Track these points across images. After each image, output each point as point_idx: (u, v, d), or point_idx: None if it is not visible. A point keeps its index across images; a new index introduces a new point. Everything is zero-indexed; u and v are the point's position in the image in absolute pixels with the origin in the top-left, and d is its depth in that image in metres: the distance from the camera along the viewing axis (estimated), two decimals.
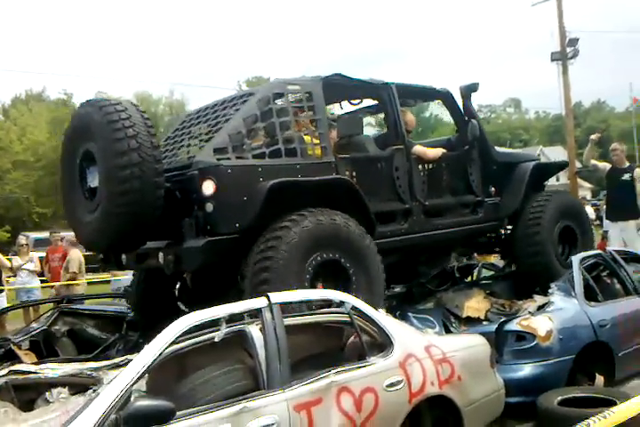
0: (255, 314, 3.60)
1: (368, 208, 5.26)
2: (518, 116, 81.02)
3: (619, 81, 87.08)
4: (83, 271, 10.54)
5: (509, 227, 7.04)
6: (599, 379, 5.37)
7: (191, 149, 5.51)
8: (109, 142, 4.45)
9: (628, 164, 9.09)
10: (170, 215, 4.72)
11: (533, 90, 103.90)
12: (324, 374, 3.48)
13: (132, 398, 3.00)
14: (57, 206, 38.66)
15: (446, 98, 6.68)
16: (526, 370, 5.08)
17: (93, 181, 4.81)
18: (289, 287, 4.23)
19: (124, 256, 5.39)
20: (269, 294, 3.66)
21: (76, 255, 10.50)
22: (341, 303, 3.90)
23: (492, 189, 6.86)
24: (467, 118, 6.61)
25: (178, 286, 6.01)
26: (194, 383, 3.45)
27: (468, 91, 6.61)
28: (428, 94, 6.88)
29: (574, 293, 5.68)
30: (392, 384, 3.70)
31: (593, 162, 9.18)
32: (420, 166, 6.11)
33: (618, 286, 6.43)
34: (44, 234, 16.10)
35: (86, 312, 6.25)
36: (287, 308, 3.83)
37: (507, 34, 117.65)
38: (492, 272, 7.68)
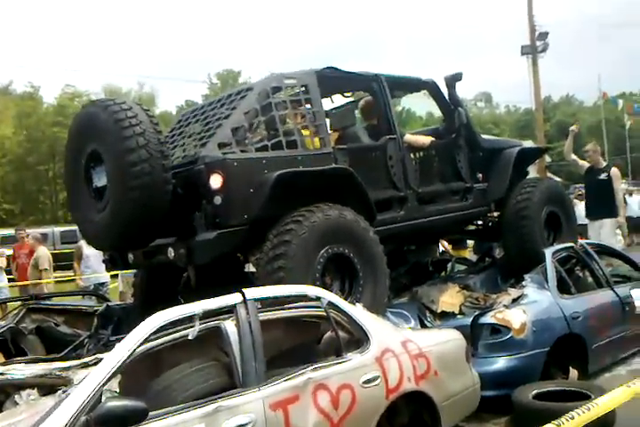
0: (230, 310, 3.53)
1: (368, 197, 5.40)
2: (489, 110, 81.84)
3: (587, 75, 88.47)
4: (51, 268, 10.36)
5: (496, 213, 7.16)
6: (573, 372, 5.41)
7: (187, 148, 5.54)
8: (118, 141, 4.53)
9: (604, 163, 9.26)
10: (175, 211, 4.77)
11: (504, 84, 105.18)
12: (301, 371, 3.43)
13: (103, 399, 2.92)
14: (23, 203, 38.06)
15: (432, 88, 6.77)
16: (501, 363, 5.10)
17: (100, 180, 4.88)
18: (301, 281, 4.37)
19: (130, 255, 5.43)
20: (244, 289, 3.60)
21: (44, 252, 10.35)
22: (317, 298, 3.85)
23: (480, 175, 6.97)
24: (453, 107, 6.71)
25: (180, 283, 6.04)
26: (167, 382, 3.38)
27: (453, 80, 6.72)
28: (414, 85, 6.94)
29: (547, 285, 5.73)
30: (369, 380, 3.67)
31: (574, 157, 9.24)
32: (411, 155, 6.25)
33: (590, 278, 6.51)
34: (11, 231, 15.80)
35: (55, 308, 6.10)
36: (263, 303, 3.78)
37: (477, 27, 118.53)
38: (465, 267, 7.71)
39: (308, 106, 5.54)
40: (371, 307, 4.72)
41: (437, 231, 7.13)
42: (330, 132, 5.88)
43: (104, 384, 2.96)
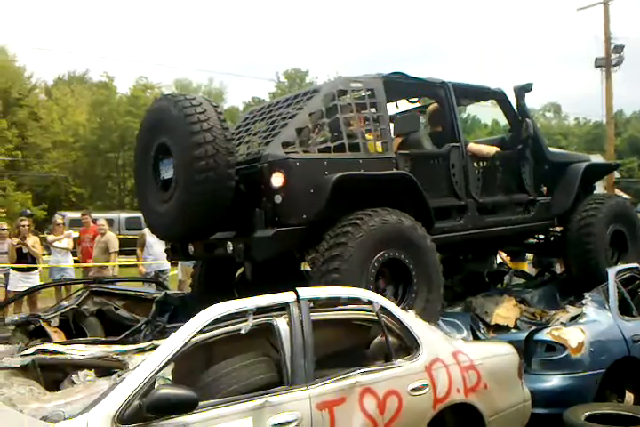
0: (283, 307, 3.57)
1: (428, 204, 5.37)
2: (557, 121, 79.60)
3: None
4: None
5: (559, 228, 7.06)
6: (629, 396, 5.25)
7: (251, 145, 5.61)
8: (186, 135, 4.66)
9: None
10: (236, 207, 4.88)
11: (575, 96, 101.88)
12: (349, 374, 3.44)
13: (156, 386, 3.00)
14: (93, 188, 39.35)
15: (500, 98, 6.71)
16: (554, 381, 4.98)
17: (167, 172, 5.04)
18: (355, 284, 4.39)
19: (190, 247, 5.54)
20: (297, 288, 3.63)
21: (113, 236, 10.64)
22: (370, 302, 3.85)
23: (544, 188, 6.86)
24: (520, 118, 6.63)
25: (237, 277, 6.21)
26: (218, 374, 3.44)
27: (522, 91, 6.62)
28: (482, 94, 6.91)
29: (608, 305, 5.56)
30: (417, 388, 3.66)
31: None
32: (474, 164, 6.19)
33: None
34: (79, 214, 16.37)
35: (116, 292, 6.29)
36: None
37: (550, 37, 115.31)
38: (523, 280, 7.56)
39: (373, 110, 5.53)
40: (423, 314, 4.71)
41: (496, 242, 7.03)
42: (393, 137, 5.87)
43: (158, 371, 3.03)
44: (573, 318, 5.47)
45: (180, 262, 10.29)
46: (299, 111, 5.30)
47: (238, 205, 4.90)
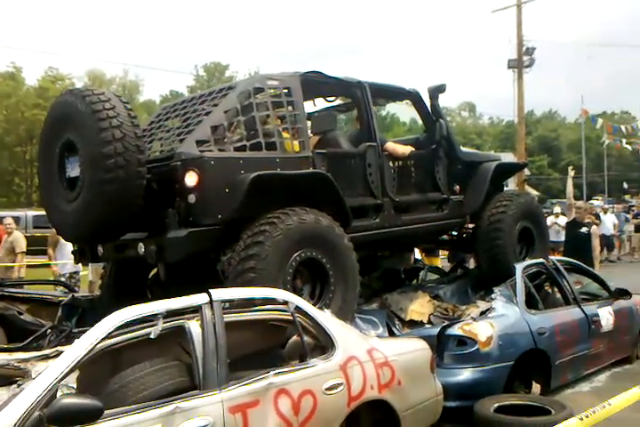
0: (196, 310, 3.48)
1: (344, 202, 5.38)
2: (472, 120, 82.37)
3: (570, 92, 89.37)
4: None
5: (471, 225, 7.24)
6: (536, 387, 5.47)
7: (165, 143, 5.46)
8: (94, 132, 4.48)
9: (587, 220, 10.48)
10: (148, 206, 4.72)
11: (489, 96, 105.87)
12: (263, 376, 3.40)
13: (58, 395, 2.86)
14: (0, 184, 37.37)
15: (415, 98, 6.79)
16: (465, 375, 5.12)
17: (73, 170, 4.81)
18: (272, 283, 4.37)
19: (100, 248, 5.35)
20: (211, 290, 3.56)
21: (21, 236, 10.15)
22: (285, 302, 3.82)
23: (457, 187, 7.02)
24: (434, 118, 6.74)
25: (150, 277, 6.03)
26: (126, 380, 3.31)
27: (436, 92, 6.74)
28: (398, 94, 6.96)
29: (516, 300, 5.76)
30: (331, 387, 3.65)
31: (575, 202, 10.58)
32: (390, 163, 6.23)
33: (558, 295, 6.57)
34: None
35: (19, 296, 5.97)
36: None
37: (466, 38, 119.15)
38: (437, 276, 7.74)
39: (290, 108, 5.49)
40: (340, 313, 4.75)
41: (412, 240, 7.17)
42: (310, 135, 5.86)
43: (60, 380, 2.90)
44: (483, 313, 5.65)
45: (90, 263, 9.95)
46: (214, 108, 5.19)
47: (150, 205, 4.74)
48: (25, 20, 79.39)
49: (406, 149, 6.44)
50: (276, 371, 3.47)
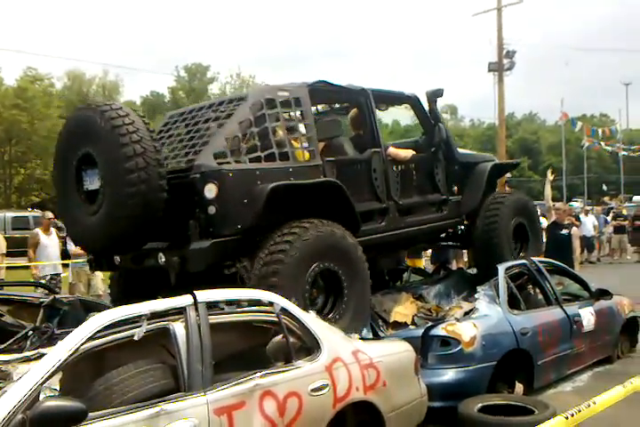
0: (180, 312, 3.46)
1: (354, 209, 5.53)
2: (454, 122, 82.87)
3: (550, 95, 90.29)
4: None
5: (465, 222, 7.45)
6: (519, 387, 5.50)
7: (179, 153, 5.49)
8: (115, 147, 4.58)
9: (567, 222, 10.43)
10: (165, 216, 4.82)
11: (470, 98, 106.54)
12: (248, 377, 3.39)
13: (40, 398, 2.82)
14: None
15: (414, 102, 6.97)
16: (449, 375, 5.14)
17: (92, 183, 4.92)
18: (292, 288, 4.63)
19: (116, 257, 5.41)
20: (195, 291, 3.53)
21: (1, 237, 10.05)
22: (270, 304, 3.81)
23: (455, 187, 7.21)
24: (433, 122, 6.94)
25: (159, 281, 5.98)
26: (110, 382, 3.28)
27: (434, 96, 6.92)
28: (398, 99, 7.13)
29: (499, 300, 5.80)
30: (317, 389, 3.65)
31: (554, 204, 10.78)
32: (393, 167, 6.41)
33: (540, 295, 6.62)
34: None
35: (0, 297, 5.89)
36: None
37: (447, 41, 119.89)
38: (420, 277, 7.77)
39: (300, 118, 5.68)
40: (352, 322, 5.08)
41: (413, 241, 7.32)
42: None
43: (43, 382, 2.87)
44: (467, 313, 5.67)
45: (70, 265, 9.88)
46: (227, 120, 5.30)
47: (167, 215, 4.83)
48: (2, 20, 78.47)
49: (408, 153, 6.62)
50: (262, 373, 3.46)
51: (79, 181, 5.04)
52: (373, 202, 6.11)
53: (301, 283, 4.83)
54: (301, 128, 5.61)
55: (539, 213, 8.47)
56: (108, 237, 4.84)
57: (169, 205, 4.81)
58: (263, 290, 4.29)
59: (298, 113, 5.68)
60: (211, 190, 4.73)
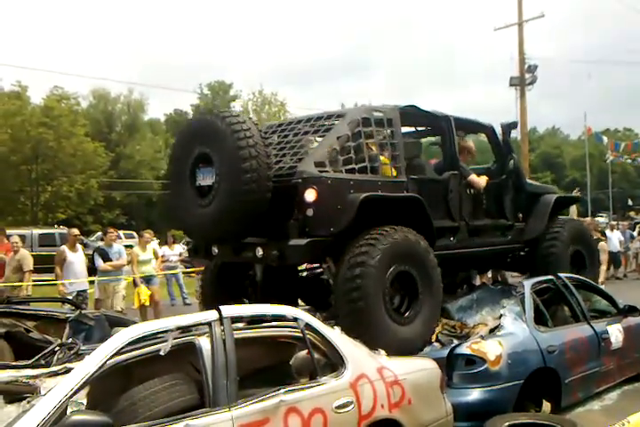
0: (205, 327, 3.47)
1: (432, 223, 5.96)
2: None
3: (573, 109, 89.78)
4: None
5: (526, 249, 7.84)
6: (546, 405, 5.39)
7: (279, 159, 5.94)
8: (233, 149, 5.15)
9: (594, 237, 10.36)
10: (265, 215, 5.34)
11: (490, 113, 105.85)
12: (274, 393, 3.38)
13: (68, 412, 2.84)
14: (3, 202, 37.45)
15: (490, 132, 7.55)
16: (475, 394, 5.05)
17: (205, 179, 5.52)
18: (375, 287, 5.12)
19: (214, 248, 5.99)
20: (221, 307, 3.55)
21: (28, 254, 10.13)
22: (295, 319, 3.81)
23: (520, 214, 7.71)
24: (506, 152, 7.53)
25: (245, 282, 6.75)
26: (137, 397, 3.30)
27: (509, 128, 7.57)
28: (476, 127, 7.67)
29: (525, 317, 5.71)
30: (342, 406, 3.63)
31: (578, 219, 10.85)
32: (467, 190, 6.90)
33: (568, 312, 6.51)
34: None
35: (26, 313, 5.95)
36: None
37: (467, 55, 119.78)
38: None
39: (391, 137, 6.12)
40: (424, 326, 5.56)
41: (479, 261, 7.68)
42: None
43: (70, 397, 2.89)
44: (492, 331, 5.59)
45: (96, 281, 9.96)
46: (327, 133, 5.87)
47: (267, 214, 5.34)
48: (30, 39, 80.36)
49: (484, 182, 7.03)
50: (287, 389, 3.45)
51: (193, 176, 5.59)
52: (446, 220, 6.55)
53: (382, 284, 5.21)
54: (391, 146, 6.07)
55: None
56: (217, 228, 5.38)
57: (270, 205, 5.31)
58: (347, 292, 4.98)
59: (389, 132, 6.14)
60: (311, 194, 5.22)
